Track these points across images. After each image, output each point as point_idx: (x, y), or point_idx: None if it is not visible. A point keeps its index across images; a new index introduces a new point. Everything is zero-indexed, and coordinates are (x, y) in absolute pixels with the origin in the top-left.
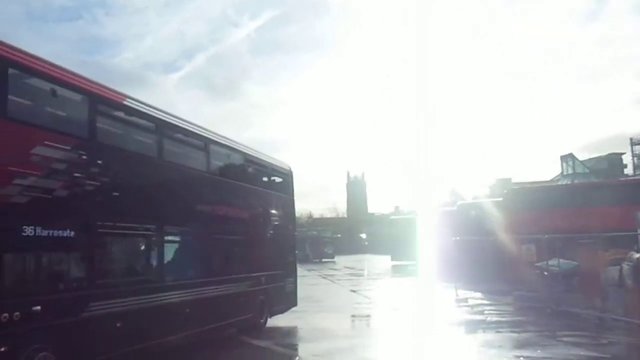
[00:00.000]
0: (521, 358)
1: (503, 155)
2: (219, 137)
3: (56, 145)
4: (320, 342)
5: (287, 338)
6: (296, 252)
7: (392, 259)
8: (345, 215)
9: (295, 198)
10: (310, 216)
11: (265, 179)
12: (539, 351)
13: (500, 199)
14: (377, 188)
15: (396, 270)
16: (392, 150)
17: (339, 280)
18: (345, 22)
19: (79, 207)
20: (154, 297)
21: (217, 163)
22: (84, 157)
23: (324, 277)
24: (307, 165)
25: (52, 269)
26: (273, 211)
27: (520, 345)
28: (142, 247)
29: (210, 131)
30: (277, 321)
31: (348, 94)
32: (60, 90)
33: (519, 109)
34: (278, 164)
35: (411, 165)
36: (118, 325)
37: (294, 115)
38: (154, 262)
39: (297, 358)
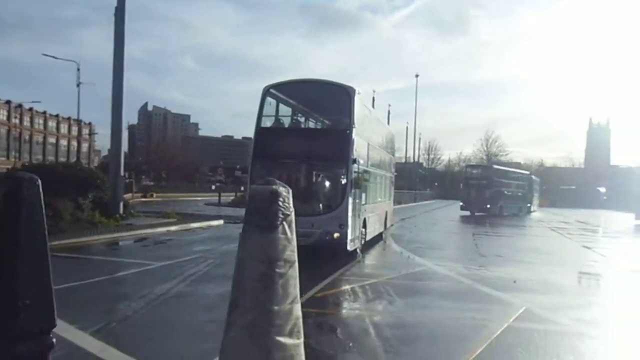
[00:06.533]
0: None
1: None
2: None
3: None
4: (548, 295)
5: (515, 288)
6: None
7: (637, 218)
8: (583, 166)
9: (526, 145)
10: (541, 164)
11: None
12: None
13: None
14: (624, 137)
15: None
16: None
17: (570, 234)
18: None
19: None
20: None
21: None
22: None
23: (553, 230)
24: (543, 109)
25: None
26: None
27: None
28: None
29: None
30: (501, 268)
31: (600, 29)
32: None
33: None
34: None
35: None
36: None
37: (533, 53)
38: None
39: (524, 308)
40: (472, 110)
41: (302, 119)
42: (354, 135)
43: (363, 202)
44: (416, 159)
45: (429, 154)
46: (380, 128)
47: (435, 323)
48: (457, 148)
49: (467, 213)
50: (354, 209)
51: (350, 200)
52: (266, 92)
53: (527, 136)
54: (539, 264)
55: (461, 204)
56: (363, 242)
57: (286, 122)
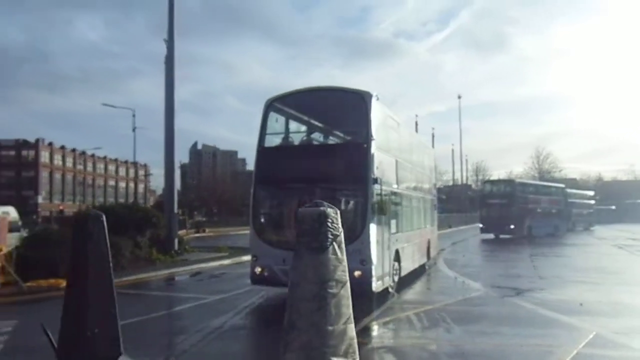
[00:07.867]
0: None
1: None
2: None
3: None
4: (620, 318)
5: (582, 312)
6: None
7: None
8: None
9: (580, 159)
10: (599, 179)
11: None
12: None
13: None
14: None
15: None
16: None
17: (638, 251)
18: None
19: None
20: None
21: None
22: None
23: (620, 247)
24: (596, 122)
25: None
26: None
27: None
28: None
29: None
30: (565, 290)
31: None
32: None
33: None
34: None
35: None
36: None
37: (576, 66)
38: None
39: (594, 333)
40: (519, 128)
41: (313, 135)
42: (373, 149)
43: (393, 230)
44: (464, 181)
45: (477, 175)
46: (414, 143)
47: (497, 350)
48: (506, 167)
49: (491, 236)
50: (379, 240)
51: (374, 229)
52: (268, 106)
53: (580, 150)
54: (607, 285)
55: (480, 225)
56: (397, 278)
57: (295, 139)
